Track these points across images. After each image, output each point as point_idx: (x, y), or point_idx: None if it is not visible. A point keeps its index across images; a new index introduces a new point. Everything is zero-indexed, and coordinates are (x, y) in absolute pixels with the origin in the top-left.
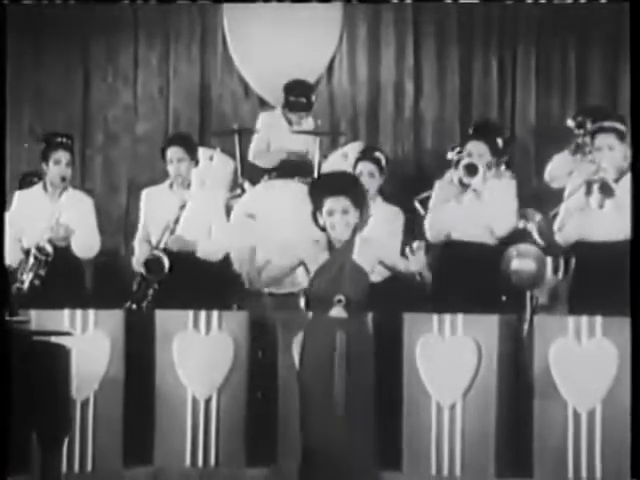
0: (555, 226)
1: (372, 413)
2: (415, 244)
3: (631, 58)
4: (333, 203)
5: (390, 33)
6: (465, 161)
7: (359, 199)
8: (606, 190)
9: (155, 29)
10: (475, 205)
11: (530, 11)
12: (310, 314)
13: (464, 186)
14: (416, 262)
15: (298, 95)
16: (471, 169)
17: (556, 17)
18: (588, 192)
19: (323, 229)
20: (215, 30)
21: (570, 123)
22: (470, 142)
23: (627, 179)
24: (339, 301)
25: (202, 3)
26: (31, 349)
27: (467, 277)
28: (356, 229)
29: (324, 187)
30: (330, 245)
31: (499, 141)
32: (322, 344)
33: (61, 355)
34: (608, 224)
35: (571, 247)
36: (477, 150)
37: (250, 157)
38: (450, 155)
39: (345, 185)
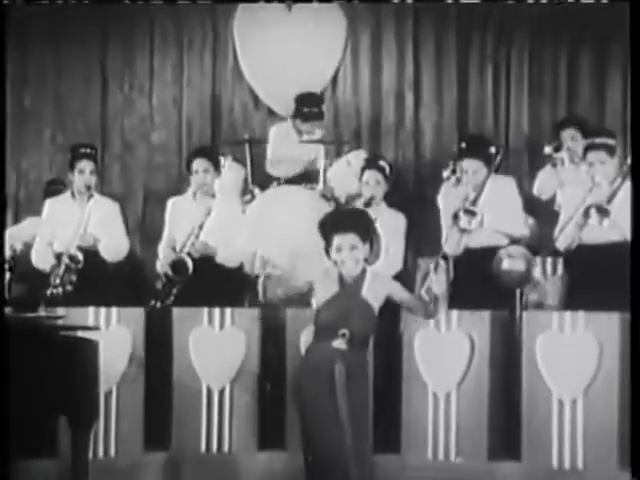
0: (556, 234)
1: (369, 437)
2: (441, 263)
3: (631, 59)
4: (341, 240)
5: (391, 46)
6: (463, 208)
7: (367, 233)
8: (602, 212)
9: (169, 42)
10: (485, 217)
11: (523, 25)
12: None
13: (470, 224)
14: (438, 282)
15: (311, 105)
16: (472, 213)
17: (547, 30)
18: (586, 216)
19: (335, 263)
20: (226, 43)
21: (547, 150)
22: (464, 160)
23: (621, 192)
24: (343, 335)
25: (214, 18)
26: (65, 342)
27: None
28: (367, 261)
29: (332, 224)
30: (341, 279)
31: (492, 150)
32: (321, 372)
33: (91, 348)
34: (601, 231)
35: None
36: (472, 167)
37: (267, 167)
38: (445, 174)
39: (352, 222)
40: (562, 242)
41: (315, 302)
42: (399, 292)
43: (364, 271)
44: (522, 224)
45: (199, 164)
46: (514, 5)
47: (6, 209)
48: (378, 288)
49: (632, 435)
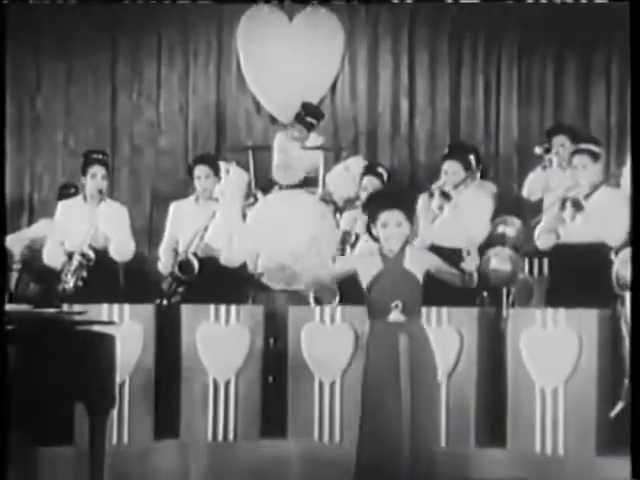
0: (535, 234)
1: (436, 411)
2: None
3: (631, 59)
4: (388, 216)
5: (387, 57)
6: (439, 190)
7: (411, 213)
8: (577, 206)
9: (176, 52)
10: (454, 218)
11: (512, 37)
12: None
13: (440, 209)
14: (471, 261)
15: (314, 116)
16: (446, 196)
17: (535, 41)
18: (562, 208)
19: (376, 239)
20: (230, 53)
21: (538, 151)
22: (445, 162)
23: (599, 193)
24: (396, 306)
25: (219, 29)
26: (86, 336)
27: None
28: (407, 240)
29: (381, 201)
30: (383, 255)
31: (470, 157)
32: (386, 347)
33: (109, 341)
34: (580, 231)
35: (548, 251)
36: (452, 169)
37: (274, 173)
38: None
39: (400, 200)
40: (542, 240)
41: (363, 282)
42: (437, 264)
43: (404, 248)
44: (484, 232)
45: (201, 170)
46: (503, 18)
47: (6, 210)
48: (418, 261)
49: (632, 435)
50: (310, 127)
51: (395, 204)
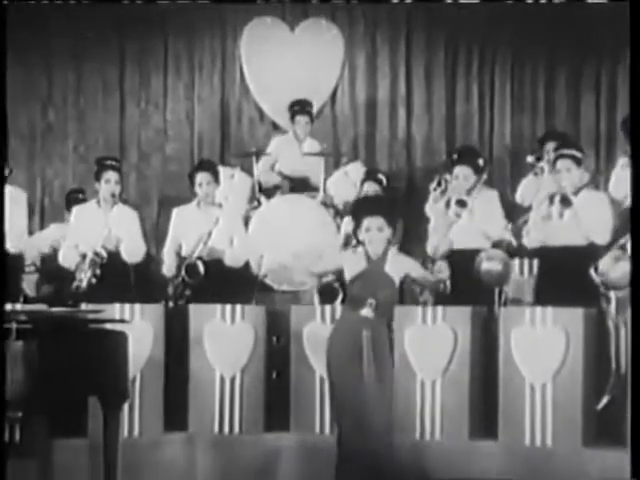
0: (523, 232)
1: (390, 398)
2: (437, 264)
3: (631, 59)
4: (370, 222)
5: (385, 66)
6: (455, 197)
7: (392, 219)
8: (565, 202)
9: (182, 62)
10: (470, 220)
11: (505, 45)
12: (335, 310)
13: (458, 216)
14: (440, 270)
15: (301, 104)
16: (462, 203)
17: (527, 51)
18: (551, 202)
19: (362, 243)
20: (234, 63)
21: (530, 159)
22: (456, 167)
23: (583, 194)
24: (370, 304)
25: (223, 39)
26: (101, 334)
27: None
28: (389, 244)
29: (364, 208)
30: (367, 256)
31: (480, 161)
32: (349, 339)
33: (123, 339)
34: (567, 232)
35: (535, 250)
36: (463, 173)
37: (259, 173)
38: (433, 185)
39: (381, 207)
40: (528, 241)
41: (347, 277)
42: (416, 269)
43: (386, 250)
44: (502, 229)
45: (202, 177)
46: (497, 28)
47: (4, 210)
48: (398, 265)
49: (632, 435)
50: (312, 117)
51: (376, 210)
